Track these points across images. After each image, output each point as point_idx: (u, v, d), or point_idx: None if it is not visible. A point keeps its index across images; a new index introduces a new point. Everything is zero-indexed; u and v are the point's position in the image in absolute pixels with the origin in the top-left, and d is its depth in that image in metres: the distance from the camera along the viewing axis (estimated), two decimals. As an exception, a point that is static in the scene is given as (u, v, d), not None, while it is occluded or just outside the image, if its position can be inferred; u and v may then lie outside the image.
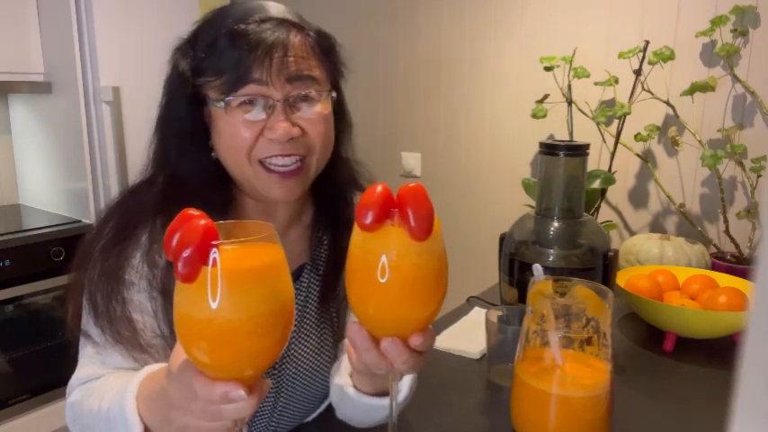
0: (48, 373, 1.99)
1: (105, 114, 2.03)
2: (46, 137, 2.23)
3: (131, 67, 2.03)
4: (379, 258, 0.51)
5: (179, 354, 0.50)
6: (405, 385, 0.72)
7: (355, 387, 0.72)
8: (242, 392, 0.47)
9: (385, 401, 0.70)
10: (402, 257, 0.51)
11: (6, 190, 2.39)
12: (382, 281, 0.51)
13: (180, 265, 0.44)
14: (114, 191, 2.04)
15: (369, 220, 0.51)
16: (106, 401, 0.66)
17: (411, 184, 0.51)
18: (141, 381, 0.62)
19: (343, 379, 0.74)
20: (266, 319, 0.47)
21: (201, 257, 0.45)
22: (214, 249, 0.45)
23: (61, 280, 1.93)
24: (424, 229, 0.50)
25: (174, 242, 0.45)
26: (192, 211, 0.46)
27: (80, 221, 2.09)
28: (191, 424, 0.52)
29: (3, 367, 1.91)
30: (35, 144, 2.29)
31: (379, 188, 0.51)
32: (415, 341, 0.54)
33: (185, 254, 0.44)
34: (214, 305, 0.45)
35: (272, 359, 0.50)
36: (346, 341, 0.85)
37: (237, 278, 0.46)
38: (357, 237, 0.54)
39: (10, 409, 1.90)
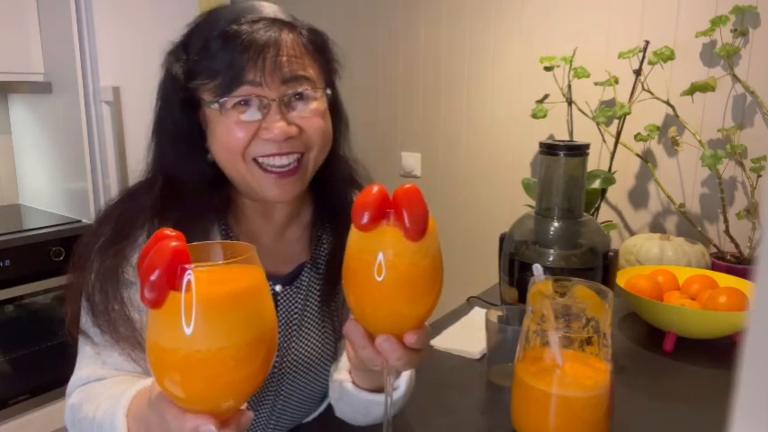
0: (48, 373, 1.99)
1: (105, 114, 2.03)
2: (46, 137, 2.23)
3: (131, 67, 2.03)
4: (374, 257, 0.53)
5: None
6: (403, 382, 0.73)
7: (354, 383, 0.73)
8: (212, 428, 0.44)
9: (383, 397, 0.70)
10: (397, 257, 0.52)
11: (6, 190, 2.39)
12: (378, 279, 0.53)
13: (146, 290, 0.42)
14: (114, 191, 2.04)
15: (365, 220, 0.52)
16: (100, 411, 0.66)
17: (406, 185, 0.52)
18: (133, 397, 0.62)
19: (342, 375, 0.75)
20: (242, 350, 0.43)
21: (169, 281, 0.42)
22: (187, 272, 0.42)
23: (61, 280, 1.92)
24: (418, 229, 0.52)
25: (145, 262, 0.42)
26: (168, 232, 0.44)
27: (80, 221, 2.09)
28: None
29: (3, 367, 1.91)
30: (35, 144, 2.29)
31: (375, 189, 0.52)
32: (410, 339, 0.55)
33: (152, 277, 0.41)
34: (183, 333, 0.42)
35: (252, 390, 0.47)
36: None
37: (208, 304, 0.42)
38: (354, 236, 0.55)
39: (10, 409, 1.90)
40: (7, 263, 1.85)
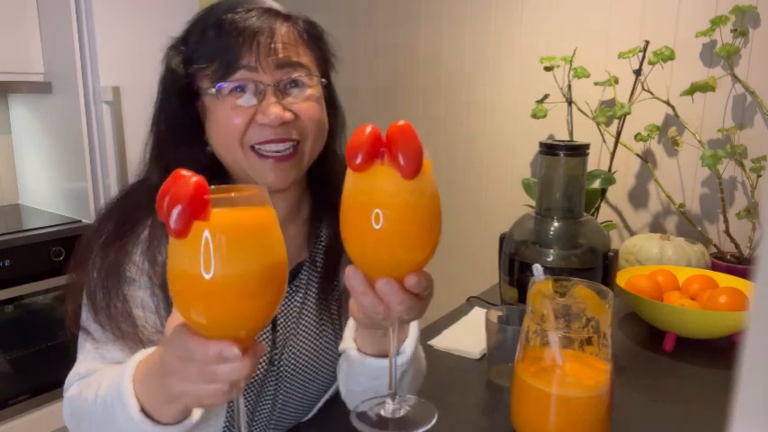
0: (48, 373, 1.99)
1: (105, 114, 2.03)
2: (46, 137, 2.23)
3: (131, 67, 2.03)
4: (370, 198, 0.51)
5: (174, 319, 0.51)
6: (408, 346, 0.70)
7: (359, 349, 0.71)
8: (236, 350, 0.47)
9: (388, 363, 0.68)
10: (393, 196, 0.51)
11: (6, 190, 2.39)
12: (374, 220, 0.51)
13: (172, 220, 0.44)
14: (114, 191, 2.03)
15: (359, 160, 0.51)
16: (103, 388, 0.66)
17: (399, 122, 0.51)
18: (138, 363, 0.62)
19: (346, 343, 0.73)
20: (262, 275, 0.47)
21: (193, 212, 0.44)
22: (206, 204, 0.45)
23: (61, 280, 1.93)
24: (413, 166, 0.50)
25: (167, 198, 0.44)
26: (184, 172, 0.46)
27: (80, 221, 2.09)
28: (188, 391, 0.52)
29: (3, 367, 1.91)
30: (35, 144, 2.29)
31: (369, 129, 0.51)
32: (410, 281, 0.54)
33: (177, 208, 0.44)
34: (209, 260, 0.45)
35: (265, 320, 0.50)
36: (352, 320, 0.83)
37: (230, 233, 0.46)
38: (349, 179, 0.54)
39: (10, 409, 1.90)
40: (7, 263, 1.85)
